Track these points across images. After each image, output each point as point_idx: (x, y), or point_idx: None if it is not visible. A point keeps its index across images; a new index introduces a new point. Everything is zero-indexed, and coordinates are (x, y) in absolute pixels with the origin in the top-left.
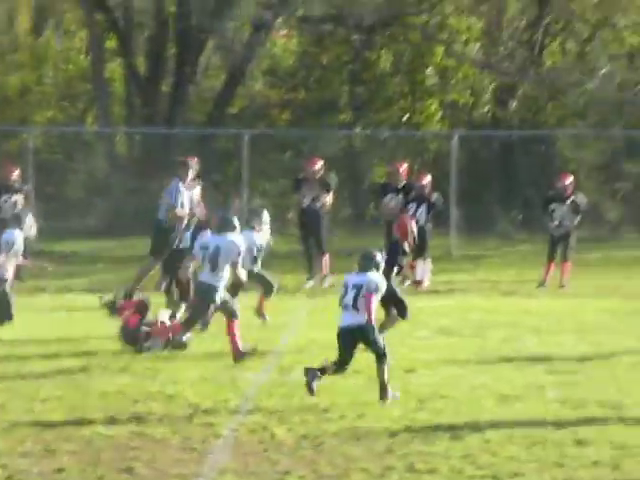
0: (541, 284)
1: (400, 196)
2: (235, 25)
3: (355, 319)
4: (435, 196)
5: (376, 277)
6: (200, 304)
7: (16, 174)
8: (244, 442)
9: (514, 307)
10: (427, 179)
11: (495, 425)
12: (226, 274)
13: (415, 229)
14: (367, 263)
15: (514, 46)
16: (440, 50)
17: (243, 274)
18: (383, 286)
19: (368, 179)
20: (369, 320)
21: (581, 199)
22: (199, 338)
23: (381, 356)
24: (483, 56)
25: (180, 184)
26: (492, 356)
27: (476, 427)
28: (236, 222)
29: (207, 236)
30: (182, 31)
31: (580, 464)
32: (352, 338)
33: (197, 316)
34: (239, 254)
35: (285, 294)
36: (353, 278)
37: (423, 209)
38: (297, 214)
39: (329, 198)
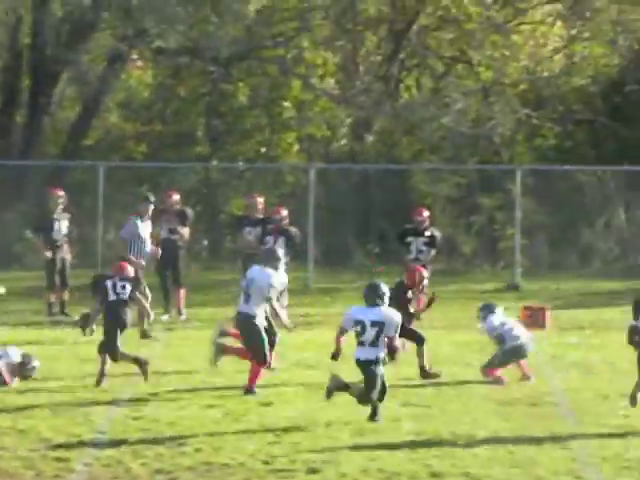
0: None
1: (258, 229)
2: (90, 57)
3: (373, 353)
4: (293, 229)
5: (393, 315)
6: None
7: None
8: (98, 476)
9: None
10: (284, 212)
11: (351, 458)
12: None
13: (427, 276)
14: (374, 295)
15: (370, 80)
16: (297, 84)
17: None
18: (399, 321)
19: (225, 212)
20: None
21: (436, 233)
22: (49, 370)
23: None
24: (340, 90)
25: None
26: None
27: (333, 460)
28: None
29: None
30: (36, 62)
31: None
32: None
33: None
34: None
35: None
36: (368, 314)
37: (281, 242)
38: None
39: (186, 231)
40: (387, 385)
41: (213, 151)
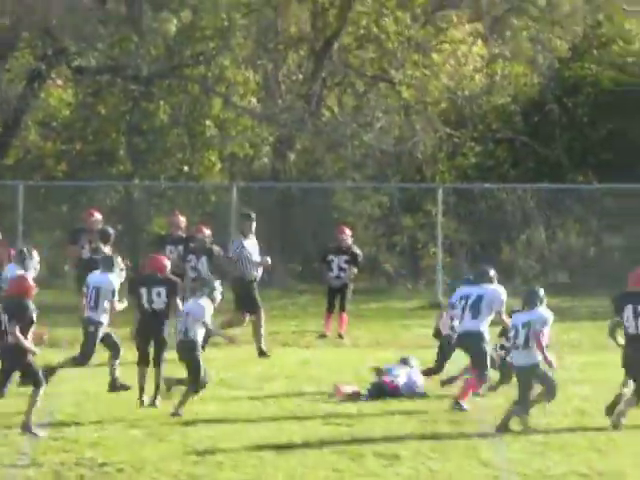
0: (322, 335)
1: (180, 247)
2: (9, 76)
3: (529, 359)
4: (216, 248)
5: (544, 313)
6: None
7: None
8: None
9: (294, 358)
10: (207, 231)
11: (274, 477)
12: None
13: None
14: (533, 299)
15: (292, 99)
16: (218, 102)
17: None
18: (551, 319)
19: (147, 230)
20: (544, 359)
21: (357, 251)
22: None
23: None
24: (261, 108)
25: None
26: (272, 408)
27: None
28: (492, 273)
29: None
30: None
31: None
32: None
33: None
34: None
35: (60, 348)
36: (521, 317)
37: (203, 261)
38: (74, 266)
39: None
40: (555, 385)
41: (134, 169)
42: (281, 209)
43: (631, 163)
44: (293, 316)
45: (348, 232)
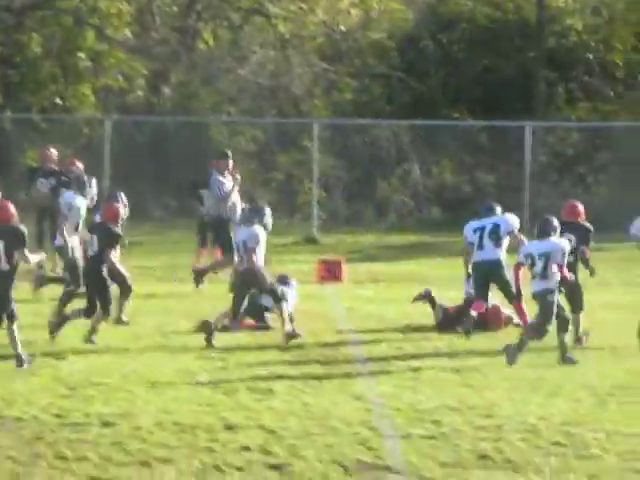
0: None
1: (52, 180)
2: None
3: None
4: (93, 180)
5: (560, 243)
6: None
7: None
8: None
9: (168, 293)
10: (79, 164)
11: (146, 411)
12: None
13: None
14: (547, 229)
15: (167, 32)
16: (92, 34)
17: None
18: (568, 248)
19: (19, 163)
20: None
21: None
22: None
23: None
24: (136, 41)
25: None
26: (145, 343)
27: (127, 414)
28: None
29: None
30: None
31: (230, 449)
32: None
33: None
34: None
35: None
36: (536, 246)
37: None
38: None
39: None
40: (551, 315)
41: (6, 101)
42: (155, 143)
43: (505, 100)
44: (167, 251)
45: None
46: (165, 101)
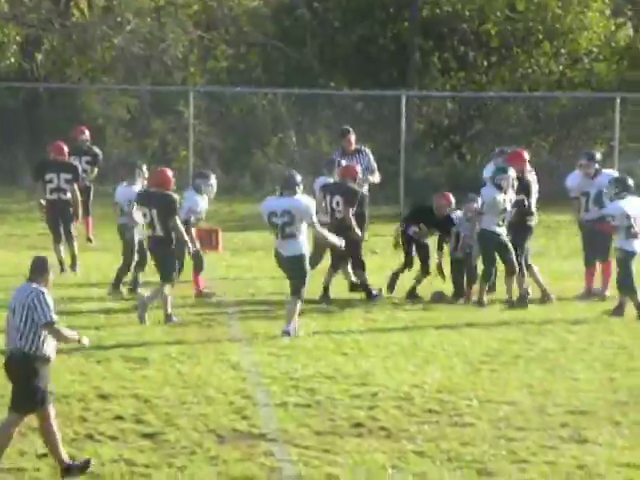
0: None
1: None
2: None
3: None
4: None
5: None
6: None
7: (87, 135)
8: None
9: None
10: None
11: None
12: None
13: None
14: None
15: None
16: None
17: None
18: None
19: None
20: None
21: (97, 150)
22: None
23: None
24: (8, 7)
25: None
26: None
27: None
28: None
29: None
30: None
31: (103, 418)
32: None
33: None
34: None
35: None
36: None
37: None
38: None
39: None
40: None
41: None
42: (28, 110)
43: (380, 69)
44: (40, 218)
45: (87, 132)
46: (38, 68)
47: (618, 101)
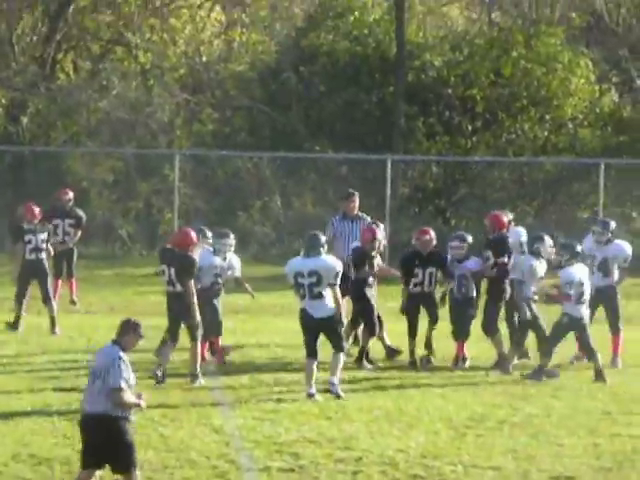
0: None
1: None
2: None
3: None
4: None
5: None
6: None
7: (70, 196)
8: None
9: (25, 324)
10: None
11: (3, 443)
12: None
13: None
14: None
15: (25, 61)
16: None
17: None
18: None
19: None
20: None
21: (81, 213)
22: None
23: None
24: None
25: None
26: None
27: None
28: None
29: None
30: None
31: None
32: None
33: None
34: None
35: None
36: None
37: None
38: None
39: None
40: None
41: None
42: (14, 173)
43: (365, 133)
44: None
45: (71, 194)
46: (23, 131)
47: (602, 166)
